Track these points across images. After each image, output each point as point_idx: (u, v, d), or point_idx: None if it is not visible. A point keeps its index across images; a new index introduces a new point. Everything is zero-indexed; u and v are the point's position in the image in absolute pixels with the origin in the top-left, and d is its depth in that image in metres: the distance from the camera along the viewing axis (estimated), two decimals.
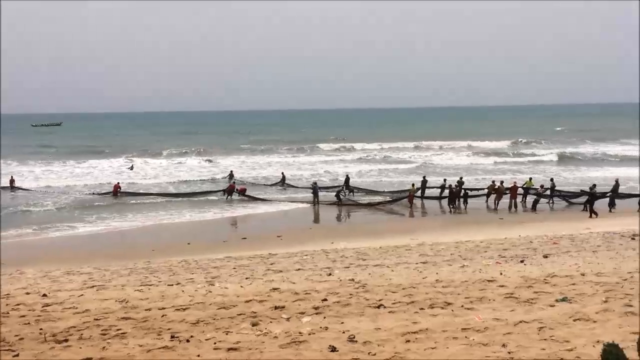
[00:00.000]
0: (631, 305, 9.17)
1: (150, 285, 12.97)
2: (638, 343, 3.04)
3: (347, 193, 35.55)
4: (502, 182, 31.62)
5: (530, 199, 31.01)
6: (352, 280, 12.27)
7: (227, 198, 34.70)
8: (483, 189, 33.09)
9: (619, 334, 7.67)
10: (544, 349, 7.44)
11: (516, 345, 7.64)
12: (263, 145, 73.04)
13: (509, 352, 7.39)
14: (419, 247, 18.43)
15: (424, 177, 35.22)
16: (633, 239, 17.72)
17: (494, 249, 16.99)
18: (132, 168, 51.39)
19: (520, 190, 31.59)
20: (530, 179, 34.29)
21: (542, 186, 31.38)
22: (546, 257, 14.89)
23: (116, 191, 36.38)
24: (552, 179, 33.26)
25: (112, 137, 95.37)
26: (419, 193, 33.30)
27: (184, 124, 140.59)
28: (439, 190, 33.62)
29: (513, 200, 30.08)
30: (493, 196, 30.88)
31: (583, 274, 11.75)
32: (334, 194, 33.56)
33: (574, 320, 8.59)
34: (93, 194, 37.12)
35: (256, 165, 54.95)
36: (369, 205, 32.20)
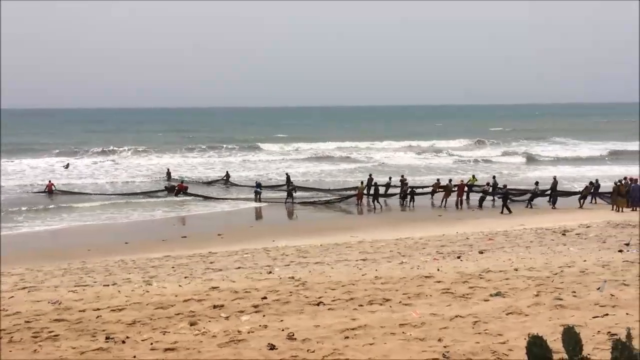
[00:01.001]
0: (561, 299, 9.49)
1: (85, 285, 12.64)
2: (562, 334, 3.15)
3: (289, 190, 35.58)
4: (450, 180, 32.29)
5: (474, 196, 31.75)
6: (292, 278, 12.28)
7: (176, 195, 34.23)
8: (428, 186, 33.77)
9: (549, 326, 7.94)
10: (478, 343, 7.62)
11: (452, 339, 7.80)
12: (206, 143, 72.09)
13: (445, 347, 7.53)
14: (359, 245, 18.60)
15: (370, 176, 35.58)
16: (563, 234, 18.37)
17: (432, 246, 17.31)
18: (67, 167, 49.89)
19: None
20: (474, 176, 35.03)
21: (488, 184, 32.30)
22: (482, 253, 15.28)
23: (50, 190, 35.33)
24: (494, 177, 34.19)
25: (51, 134, 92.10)
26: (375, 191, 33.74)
27: (135, 122, 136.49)
28: (384, 188, 34.13)
29: (460, 198, 30.72)
30: (441, 193, 31.52)
31: (516, 269, 12.09)
32: (286, 193, 33.56)
33: (507, 314, 8.82)
34: (27, 192, 35.94)
35: (198, 163, 54.28)
36: (315, 203, 32.32)
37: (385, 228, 23.80)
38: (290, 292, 10.77)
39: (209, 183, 40.85)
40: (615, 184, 28.91)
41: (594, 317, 8.37)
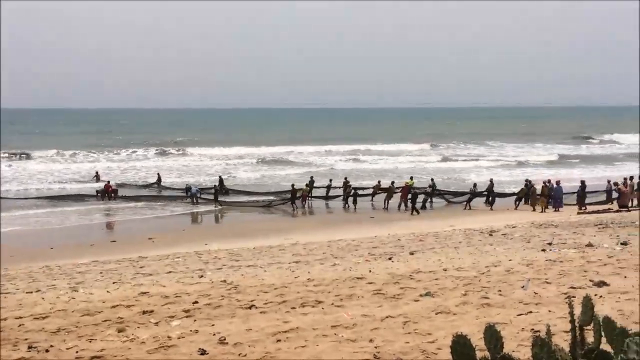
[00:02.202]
0: (487, 298, 9.75)
1: (7, 293, 12.11)
2: (484, 332, 3.22)
3: (222, 193, 35.29)
4: (392, 182, 32.70)
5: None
6: (224, 281, 12.14)
7: (100, 198, 33.27)
8: (369, 188, 34.18)
9: (476, 324, 8.13)
10: (408, 342, 7.73)
11: (382, 339, 7.88)
12: (141, 146, 70.39)
13: (376, 347, 7.60)
14: (293, 247, 18.60)
15: (311, 178, 35.66)
16: (491, 235, 18.90)
17: (364, 247, 17.48)
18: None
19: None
20: (412, 178, 35.55)
21: (429, 186, 32.99)
22: (412, 254, 15.53)
23: None
24: (432, 179, 34.89)
25: None
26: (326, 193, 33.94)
27: (56, 123, 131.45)
28: (325, 190, 34.37)
29: (403, 200, 31.12)
30: (383, 195, 31.94)
31: (445, 269, 12.34)
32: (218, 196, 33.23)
33: (436, 314, 8.99)
34: None
35: (131, 167, 52.94)
36: (254, 206, 32.14)
37: (319, 230, 23.90)
38: (222, 296, 10.65)
39: (143, 187, 39.98)
40: (526, 184, 30.28)
41: (518, 315, 8.63)
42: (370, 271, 12.55)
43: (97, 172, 42.49)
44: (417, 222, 25.56)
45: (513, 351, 6.92)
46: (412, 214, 28.92)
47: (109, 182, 36.41)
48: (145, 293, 11.16)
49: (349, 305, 9.73)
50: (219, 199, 32.64)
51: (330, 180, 35.43)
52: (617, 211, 26.46)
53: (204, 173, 47.97)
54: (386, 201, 31.34)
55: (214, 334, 8.32)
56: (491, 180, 32.68)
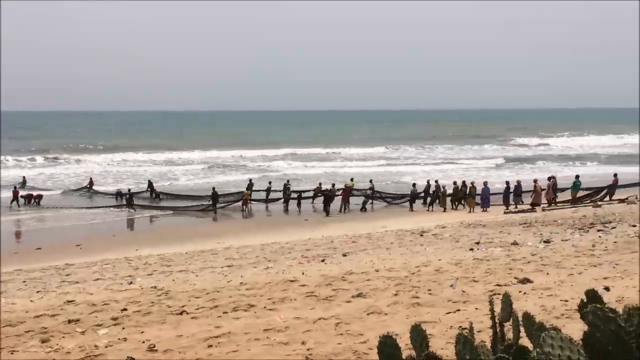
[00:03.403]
0: (417, 297, 9.93)
1: None
2: (410, 331, 3.27)
3: (153, 197, 34.68)
4: (333, 185, 32.76)
5: (357, 199, 32.56)
6: (155, 287, 11.90)
7: (12, 205, 32.01)
8: (310, 190, 34.20)
9: (406, 323, 8.25)
10: (340, 344, 7.78)
11: (315, 341, 7.90)
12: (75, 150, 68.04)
13: (308, 349, 7.62)
14: (226, 251, 18.42)
15: (250, 181, 35.45)
16: (421, 235, 19.26)
17: (297, 250, 17.49)
18: None
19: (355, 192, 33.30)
20: (352, 179, 35.74)
21: (370, 188, 33.31)
22: (345, 255, 15.64)
23: None
24: (371, 181, 35.24)
25: None
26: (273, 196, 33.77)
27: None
28: (265, 193, 34.34)
29: (345, 202, 31.24)
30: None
31: (377, 270, 12.49)
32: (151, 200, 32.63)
33: (368, 314, 9.09)
34: None
35: (64, 171, 51.06)
36: (195, 210, 31.67)
37: (254, 234, 23.75)
38: (152, 302, 10.44)
39: (73, 191, 38.74)
40: (451, 185, 31.19)
41: (447, 313, 8.83)
42: (303, 273, 12.57)
43: (24, 178, 40.81)
44: (350, 224, 25.76)
45: (442, 348, 7.11)
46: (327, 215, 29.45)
47: (15, 187, 34.95)
48: (71, 302, 10.82)
49: (282, 308, 9.71)
50: (133, 204, 31.99)
51: (270, 183, 35.39)
52: (543, 210, 27.52)
53: (141, 177, 46.62)
54: (327, 204, 31.47)
55: (144, 342, 8.14)
56: (428, 182, 33.35)
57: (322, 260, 14.85)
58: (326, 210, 30.44)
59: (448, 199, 30.77)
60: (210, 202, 31.69)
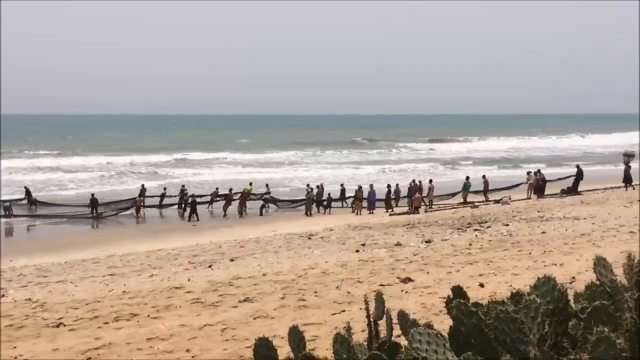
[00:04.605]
0: (304, 299, 10.05)
1: None
2: (288, 333, 3.32)
3: (30, 206, 32.90)
4: (230, 190, 32.30)
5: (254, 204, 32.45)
6: (29, 300, 11.28)
7: None
8: (206, 195, 33.59)
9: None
10: (226, 349, 7.72)
11: (200, 348, 7.80)
12: None
13: (193, 356, 7.51)
14: (109, 259, 17.76)
15: (142, 186, 34.45)
16: (309, 238, 19.50)
17: (184, 256, 17.18)
18: None
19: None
20: (250, 183, 35.38)
21: (266, 192, 33.20)
22: (233, 260, 15.57)
23: None
24: (267, 185, 35.05)
25: None
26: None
27: None
28: (159, 198, 33.36)
29: (242, 206, 30.98)
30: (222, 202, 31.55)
31: (264, 274, 12.52)
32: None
33: (255, 319, 9.09)
34: None
35: None
36: (80, 217, 30.25)
37: (140, 240, 23.04)
38: (27, 316, 9.90)
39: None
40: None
41: (332, 314, 9.00)
42: (189, 280, 12.38)
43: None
44: (240, 229, 25.62)
45: (327, 349, 7.21)
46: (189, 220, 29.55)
47: None
48: None
49: (166, 316, 9.51)
50: (9, 211, 30.31)
51: (165, 189, 34.51)
52: (425, 211, 28.73)
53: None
54: (225, 208, 31.14)
55: (16, 357, 7.73)
56: (322, 186, 33.84)
57: (209, 266, 14.70)
58: (224, 215, 30.42)
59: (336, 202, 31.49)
60: (91, 210, 30.51)
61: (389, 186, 32.31)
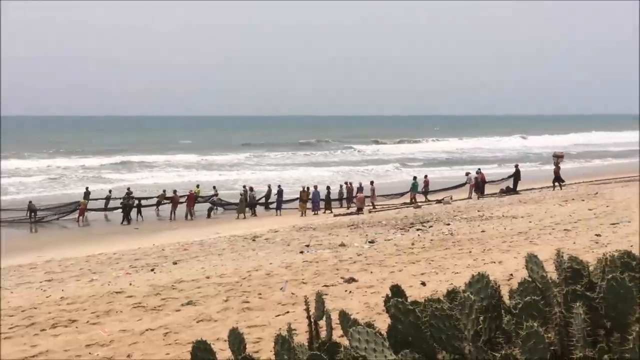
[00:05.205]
0: (248, 302, 10.01)
1: None
2: (228, 335, 3.31)
3: None
4: (175, 192, 31.71)
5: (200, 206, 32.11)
6: None
7: None
8: (153, 197, 33.00)
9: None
10: (168, 354, 7.63)
11: (142, 353, 7.68)
12: None
13: None
14: (46, 264, 17.22)
15: (86, 189, 33.47)
16: (254, 240, 19.39)
17: (126, 260, 16.84)
18: None
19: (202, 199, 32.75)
20: (198, 186, 34.82)
21: (215, 195, 32.77)
22: (176, 263, 15.36)
23: None
24: (214, 187, 34.63)
25: None
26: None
27: None
28: (105, 201, 32.63)
29: (190, 209, 30.55)
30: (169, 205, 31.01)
31: (208, 277, 12.41)
32: None
33: (198, 322, 9.01)
34: None
35: None
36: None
37: (79, 245, 22.39)
38: None
39: None
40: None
41: (277, 316, 9.00)
42: (130, 284, 12.17)
43: None
44: (184, 231, 25.29)
45: (271, 351, 7.23)
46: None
47: None
48: None
49: (107, 321, 9.32)
50: None
51: (110, 192, 33.69)
52: (370, 212, 29.01)
53: None
54: (172, 211, 30.59)
55: None
56: (269, 187, 33.86)
57: (152, 270, 14.47)
58: (171, 218, 30.05)
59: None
60: (29, 215, 29.59)
61: (328, 188, 32.62)
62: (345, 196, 33.20)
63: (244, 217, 30.42)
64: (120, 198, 32.30)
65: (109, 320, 9.40)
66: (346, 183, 34.31)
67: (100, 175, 51.55)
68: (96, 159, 64.97)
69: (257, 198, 33.24)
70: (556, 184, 31.55)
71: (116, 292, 11.31)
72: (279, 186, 33.58)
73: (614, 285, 2.89)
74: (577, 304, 2.86)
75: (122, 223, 29.25)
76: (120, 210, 31.08)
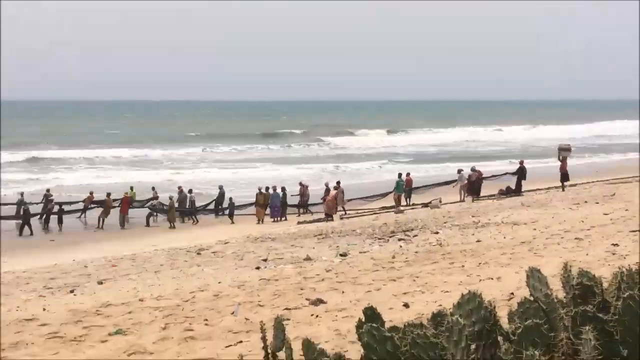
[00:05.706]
0: (191, 329, 9.97)
1: None
2: None
3: None
4: (109, 195, 31.33)
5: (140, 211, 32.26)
6: None
7: None
8: (78, 202, 32.79)
9: None
10: None
11: None
12: None
13: None
14: None
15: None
16: (199, 254, 19.34)
17: (38, 279, 16.65)
18: None
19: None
20: (132, 188, 34.36)
21: (153, 197, 32.61)
22: (101, 283, 15.28)
23: None
24: (153, 188, 34.38)
25: None
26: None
27: None
28: (16, 207, 31.80)
29: (124, 215, 30.55)
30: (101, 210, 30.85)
31: (142, 300, 12.34)
32: None
33: (129, 355, 8.94)
34: None
35: None
36: None
37: None
38: None
39: None
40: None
41: (227, 347, 8.97)
42: (44, 309, 12.06)
43: None
44: (112, 243, 25.09)
45: None
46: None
47: None
48: None
49: (14, 356, 9.19)
50: None
51: (22, 195, 32.93)
52: (341, 218, 29.16)
53: None
54: (101, 218, 30.31)
55: None
56: (221, 188, 33.98)
57: (71, 291, 14.37)
58: (100, 226, 29.98)
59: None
60: None
61: (283, 189, 32.62)
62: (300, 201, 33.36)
63: (174, 227, 30.35)
64: (35, 203, 31.85)
65: (17, 354, 9.28)
66: (300, 184, 34.44)
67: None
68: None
69: (204, 203, 33.23)
70: (565, 183, 32.11)
71: (26, 320, 11.17)
72: (221, 187, 34.01)
73: (631, 305, 2.94)
74: (587, 327, 2.90)
75: (19, 235, 28.76)
76: (39, 217, 30.64)
